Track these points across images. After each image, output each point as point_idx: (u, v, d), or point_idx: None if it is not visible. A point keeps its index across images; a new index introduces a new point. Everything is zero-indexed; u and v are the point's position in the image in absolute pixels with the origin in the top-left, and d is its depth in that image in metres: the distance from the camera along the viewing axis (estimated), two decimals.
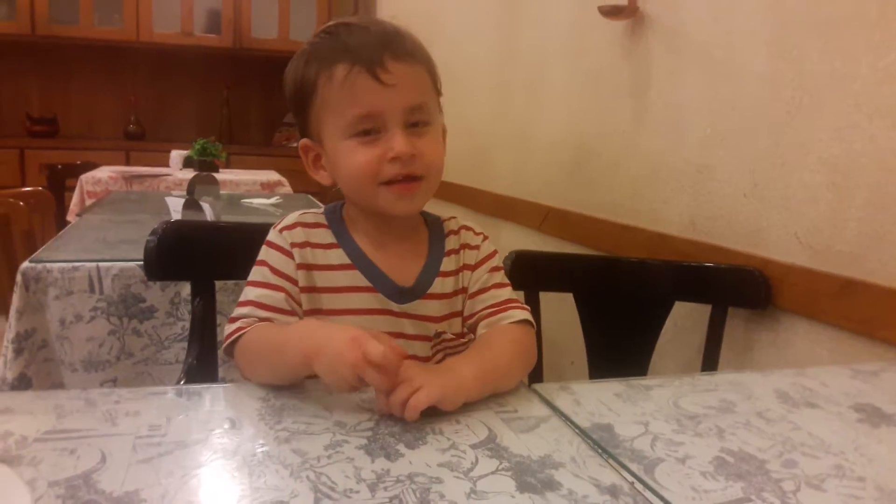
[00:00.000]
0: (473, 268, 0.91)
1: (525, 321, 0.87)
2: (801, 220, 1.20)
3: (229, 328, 0.80)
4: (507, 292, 0.91)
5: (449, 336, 0.89)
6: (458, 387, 0.68)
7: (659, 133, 1.57)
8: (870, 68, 1.08)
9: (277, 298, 0.82)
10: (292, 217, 0.89)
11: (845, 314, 1.11)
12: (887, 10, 1.06)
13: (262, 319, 0.80)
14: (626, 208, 1.68)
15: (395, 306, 0.85)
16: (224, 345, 0.80)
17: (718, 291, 1.30)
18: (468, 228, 0.94)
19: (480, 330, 0.88)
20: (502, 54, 2.37)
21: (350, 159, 0.82)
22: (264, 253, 0.86)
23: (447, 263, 0.90)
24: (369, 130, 0.80)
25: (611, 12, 1.63)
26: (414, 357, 0.86)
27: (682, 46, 1.49)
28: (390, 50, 0.79)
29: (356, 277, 0.85)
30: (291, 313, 0.82)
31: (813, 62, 1.18)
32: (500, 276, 0.92)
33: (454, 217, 0.95)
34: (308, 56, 0.84)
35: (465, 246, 0.92)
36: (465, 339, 0.91)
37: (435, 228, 0.92)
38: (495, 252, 0.94)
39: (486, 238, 0.94)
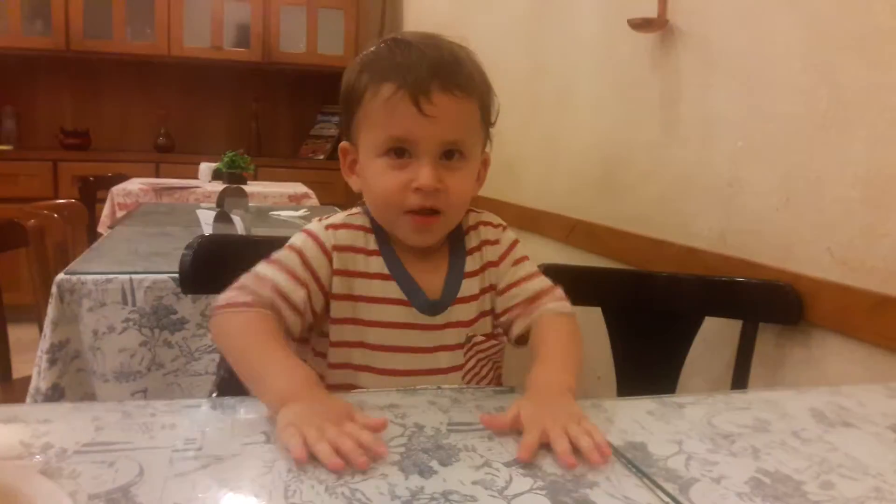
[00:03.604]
0: (497, 263, 0.90)
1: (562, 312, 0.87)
2: (835, 235, 1.18)
3: (234, 295, 0.78)
4: (538, 283, 0.90)
5: (479, 339, 0.88)
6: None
7: (689, 146, 1.56)
8: None
9: (299, 294, 0.80)
10: (340, 216, 0.88)
11: (880, 331, 1.09)
12: None
13: (273, 308, 0.78)
14: (655, 221, 1.66)
15: (426, 319, 0.85)
16: (217, 305, 0.78)
17: (749, 307, 1.28)
18: (486, 223, 0.93)
19: (516, 329, 0.87)
20: (531, 67, 2.37)
21: (378, 180, 0.82)
22: (302, 241, 0.85)
23: (470, 263, 0.89)
24: (401, 153, 0.80)
25: (640, 25, 1.63)
26: (448, 369, 0.86)
27: (714, 59, 1.49)
28: (440, 79, 0.78)
29: (392, 289, 0.84)
30: (301, 314, 0.81)
31: (848, 75, 1.16)
32: (527, 268, 0.91)
33: (471, 210, 0.94)
34: (363, 65, 0.83)
35: (486, 242, 0.91)
36: (497, 342, 0.91)
37: (454, 229, 0.91)
38: (516, 242, 0.93)
39: (504, 228, 0.93)
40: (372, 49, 0.84)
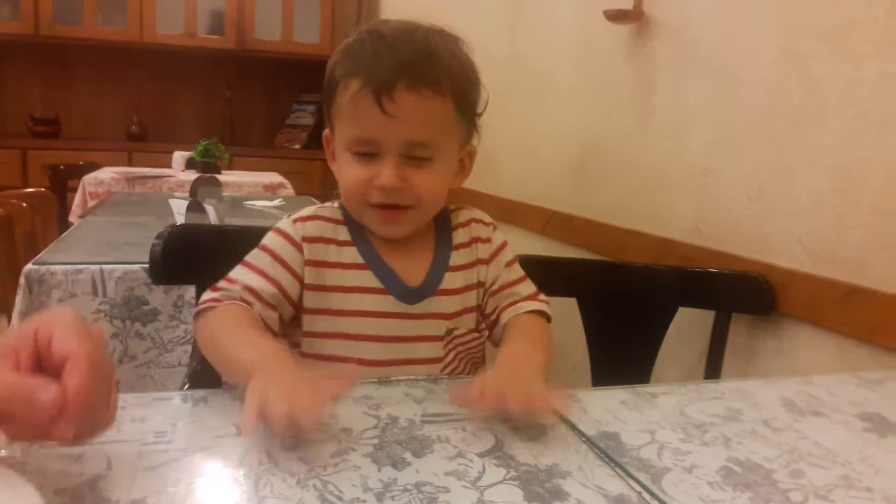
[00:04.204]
0: (487, 261, 0.91)
1: (540, 312, 0.89)
2: (806, 227, 1.20)
3: (206, 296, 0.80)
4: (525, 287, 0.92)
5: (461, 332, 0.88)
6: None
7: (664, 137, 1.57)
8: (877, 74, 1.08)
9: (269, 292, 0.81)
10: (310, 209, 0.89)
11: (850, 321, 1.11)
12: (895, 15, 1.05)
13: (245, 302, 0.79)
14: (630, 212, 1.67)
15: (405, 308, 0.85)
16: (195, 311, 0.80)
17: (722, 297, 1.29)
18: (478, 221, 0.94)
19: (498, 328, 0.89)
20: (508, 58, 2.37)
21: (345, 172, 0.83)
22: (270, 239, 0.85)
23: (456, 258, 0.89)
24: (367, 153, 0.81)
25: (616, 16, 1.63)
26: (425, 360, 0.86)
27: (688, 51, 1.49)
28: (406, 77, 0.77)
29: (367, 278, 0.85)
30: (275, 308, 0.82)
31: (820, 68, 1.17)
32: (517, 271, 0.93)
33: (463, 207, 0.95)
34: (340, 55, 0.83)
35: (477, 240, 0.92)
36: (480, 335, 0.91)
37: (441, 220, 0.92)
38: (505, 243, 0.94)
39: (495, 228, 0.95)
40: (351, 38, 0.84)
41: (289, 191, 3.26)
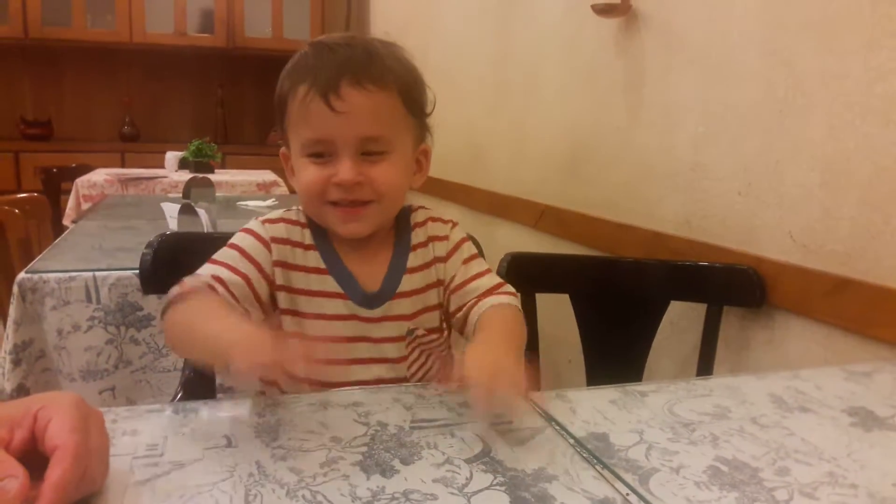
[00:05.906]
0: (445, 259, 0.92)
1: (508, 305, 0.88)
2: (795, 219, 1.20)
3: (173, 291, 0.78)
4: (488, 280, 0.91)
5: (421, 332, 0.89)
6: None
7: (653, 131, 1.57)
8: (862, 67, 1.08)
9: (235, 282, 0.81)
10: (277, 213, 0.91)
11: (839, 312, 1.12)
12: (879, 8, 1.06)
13: (210, 289, 0.79)
14: (621, 206, 1.68)
15: (365, 312, 0.86)
16: (163, 305, 0.78)
17: (713, 290, 1.30)
18: (435, 219, 0.94)
19: (469, 325, 0.89)
20: (497, 53, 2.36)
21: (302, 176, 0.84)
22: (239, 238, 0.86)
23: (413, 259, 0.90)
24: (321, 153, 0.82)
25: (604, 10, 1.63)
26: (390, 359, 0.87)
27: (676, 45, 1.49)
28: (351, 74, 0.79)
29: (328, 283, 0.86)
30: (238, 300, 0.81)
31: (805, 61, 1.18)
32: (478, 265, 0.93)
33: (422, 207, 0.96)
34: (288, 70, 0.86)
35: (434, 238, 0.92)
36: (440, 336, 0.92)
37: (402, 221, 0.93)
38: (465, 239, 0.94)
39: (454, 225, 0.95)
40: (297, 53, 0.86)
41: (282, 189, 3.25)
